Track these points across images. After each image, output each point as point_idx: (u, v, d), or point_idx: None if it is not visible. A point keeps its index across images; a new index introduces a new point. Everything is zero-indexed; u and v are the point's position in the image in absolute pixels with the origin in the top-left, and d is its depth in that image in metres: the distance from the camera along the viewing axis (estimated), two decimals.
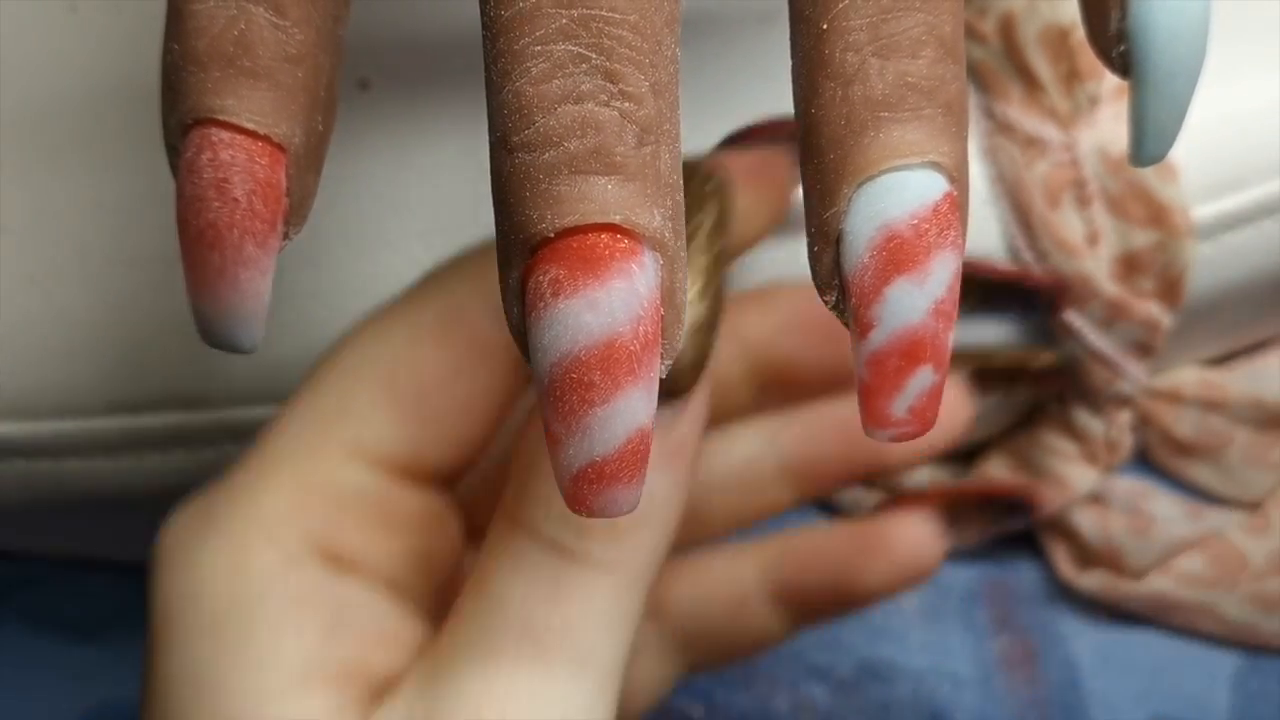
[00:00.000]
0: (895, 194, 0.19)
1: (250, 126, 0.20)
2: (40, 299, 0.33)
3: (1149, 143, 0.22)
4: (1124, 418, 0.39)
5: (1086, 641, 0.40)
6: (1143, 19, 0.21)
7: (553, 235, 0.19)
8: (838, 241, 0.19)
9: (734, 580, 0.33)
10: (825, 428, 0.33)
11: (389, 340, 0.27)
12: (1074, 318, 0.36)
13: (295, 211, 0.21)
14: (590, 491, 0.19)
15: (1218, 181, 0.36)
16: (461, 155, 0.34)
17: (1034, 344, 0.36)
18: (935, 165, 0.19)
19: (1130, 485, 0.40)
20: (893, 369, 0.19)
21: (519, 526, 0.24)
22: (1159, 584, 0.39)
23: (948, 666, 0.40)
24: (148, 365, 0.33)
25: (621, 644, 0.24)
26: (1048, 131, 0.36)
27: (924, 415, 0.20)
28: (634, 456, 0.19)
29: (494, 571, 0.24)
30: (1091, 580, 0.40)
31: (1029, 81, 0.36)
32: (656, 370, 0.19)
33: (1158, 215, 0.36)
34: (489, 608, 0.24)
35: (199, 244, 0.20)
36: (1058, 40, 0.36)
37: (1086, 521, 0.40)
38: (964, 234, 0.20)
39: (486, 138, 0.19)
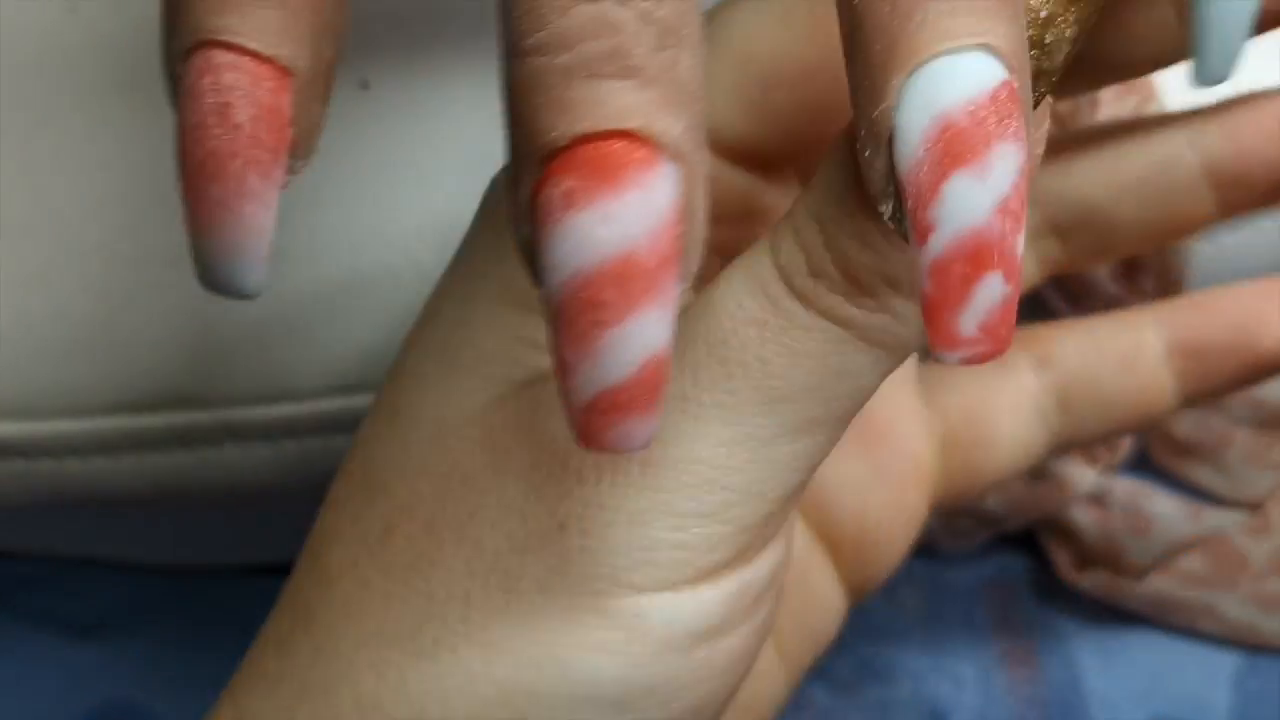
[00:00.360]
0: (948, 80, 0.17)
1: (254, 47, 0.19)
2: (40, 299, 0.33)
3: (1212, 59, 0.21)
4: None
5: (1086, 641, 0.40)
6: None
7: (566, 143, 0.17)
8: (890, 140, 0.18)
9: (1127, 336, 0.31)
10: (1257, 127, 0.30)
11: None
12: (1074, 317, 0.36)
13: (301, 143, 0.20)
14: (604, 423, 0.18)
15: None
16: (462, 155, 0.34)
17: None
18: (989, 48, 0.18)
19: (1130, 485, 0.40)
20: (958, 277, 0.18)
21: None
22: (1159, 584, 0.39)
23: (948, 666, 0.40)
24: (148, 365, 0.33)
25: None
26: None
27: (997, 332, 0.18)
28: (649, 383, 0.18)
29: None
30: (1091, 580, 0.40)
31: None
32: (674, 292, 0.18)
33: None
34: None
35: (199, 175, 0.19)
36: None
37: (1086, 521, 0.40)
38: (1028, 128, 0.18)
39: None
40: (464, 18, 0.34)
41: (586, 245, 0.17)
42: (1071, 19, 0.19)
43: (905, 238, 0.18)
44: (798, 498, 0.22)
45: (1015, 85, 0.18)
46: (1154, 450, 0.40)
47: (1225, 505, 0.40)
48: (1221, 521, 0.40)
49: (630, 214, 0.17)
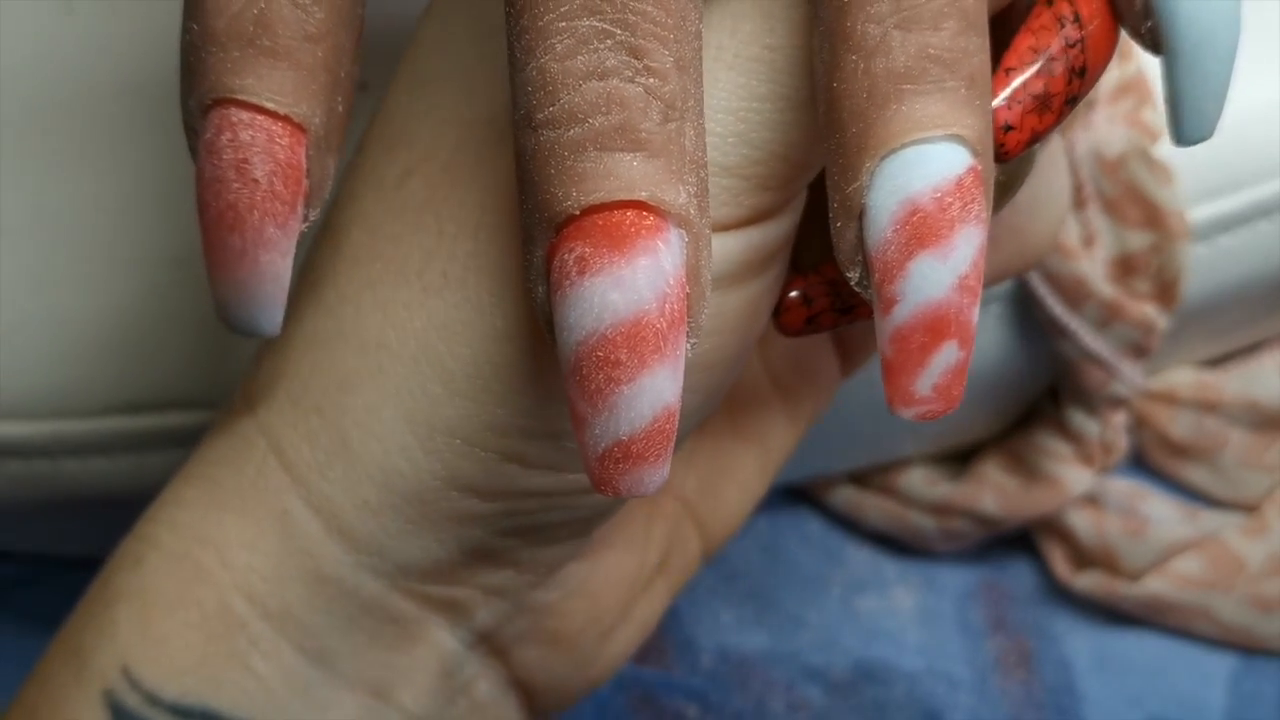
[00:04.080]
0: (918, 167, 0.19)
1: (270, 106, 0.20)
2: (40, 299, 0.33)
3: (1189, 122, 0.22)
4: (1119, 419, 0.39)
5: (1082, 642, 0.40)
6: None
7: (578, 212, 0.18)
8: (860, 216, 0.19)
9: None
10: None
11: None
12: (1070, 319, 0.36)
13: (315, 193, 0.21)
14: (617, 471, 0.19)
15: (1213, 183, 0.36)
16: None
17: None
18: (958, 138, 0.19)
19: (1125, 487, 0.40)
20: (916, 345, 0.19)
21: None
22: (1155, 585, 0.39)
23: (943, 667, 0.40)
24: (147, 365, 0.33)
25: None
26: None
27: (949, 393, 0.20)
28: (660, 435, 0.19)
29: None
30: (1087, 581, 0.40)
31: None
32: (683, 349, 0.19)
33: (1153, 217, 0.36)
34: None
35: (219, 226, 0.20)
36: None
37: (1082, 523, 0.40)
38: (988, 208, 0.19)
39: None
40: None
41: (600, 308, 0.18)
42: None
43: (871, 302, 0.20)
44: (811, 170, 0.22)
45: (980, 169, 0.19)
46: (1150, 452, 0.40)
47: (1221, 507, 0.40)
48: (1217, 523, 0.40)
49: (641, 279, 0.18)
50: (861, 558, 0.41)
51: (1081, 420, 0.38)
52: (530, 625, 0.26)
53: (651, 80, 0.18)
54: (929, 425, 0.40)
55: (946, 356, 0.19)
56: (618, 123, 0.18)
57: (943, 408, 0.20)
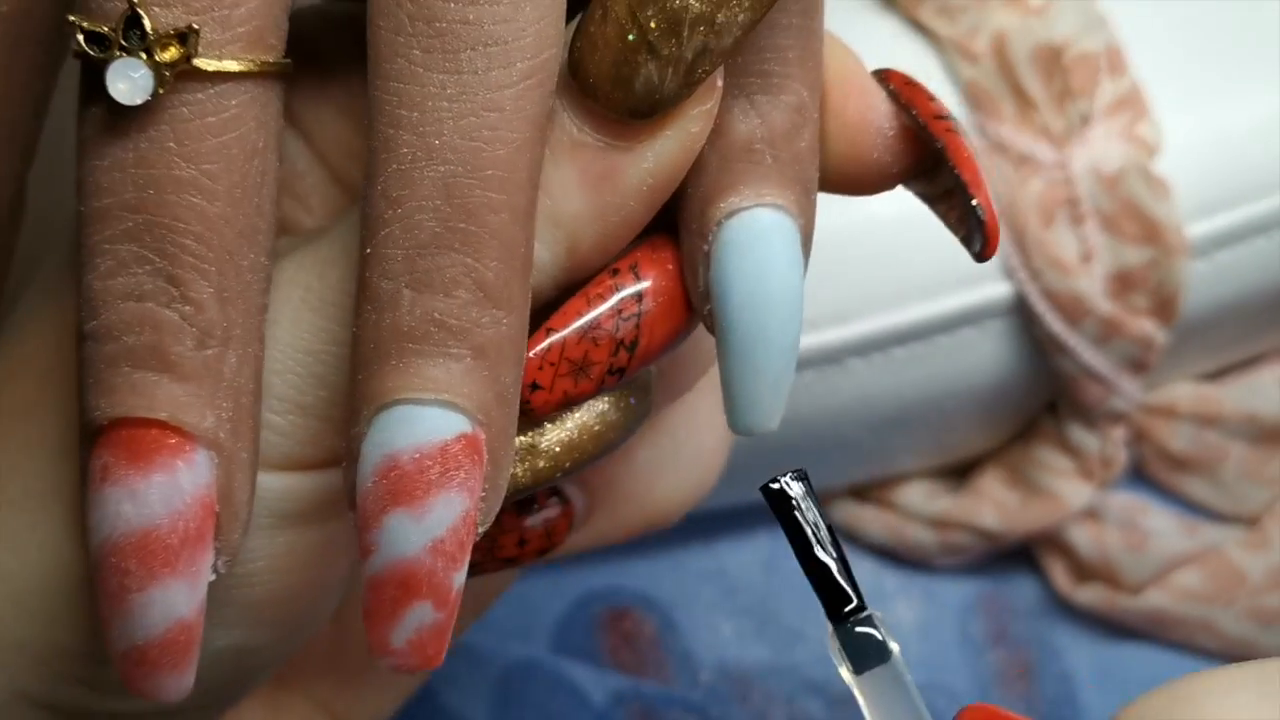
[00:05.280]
0: (404, 426, 0.19)
1: None
2: None
3: (740, 412, 0.22)
4: (1119, 433, 0.39)
5: (1083, 656, 0.40)
6: (721, 280, 0.21)
7: (105, 424, 0.19)
8: (358, 460, 0.20)
9: None
10: None
11: None
12: (1068, 335, 0.36)
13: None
14: (138, 673, 0.20)
15: (1211, 199, 0.36)
16: None
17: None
18: (452, 405, 0.19)
19: (1126, 500, 0.40)
20: (388, 598, 0.19)
21: None
22: (1156, 599, 0.39)
23: (944, 680, 0.40)
24: None
25: None
26: (1040, 150, 0.36)
27: (423, 650, 0.20)
28: (175, 646, 0.19)
29: None
30: (1088, 595, 0.40)
31: (1021, 100, 0.36)
32: (203, 566, 0.19)
33: (1151, 233, 0.36)
34: None
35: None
36: (1050, 59, 0.36)
37: (1082, 537, 0.40)
38: (481, 478, 0.19)
39: None
40: None
41: (115, 517, 0.19)
42: (747, 4, 0.20)
43: None
44: None
45: (478, 438, 0.19)
46: (1150, 466, 0.40)
47: (1222, 520, 0.40)
48: (1218, 537, 0.40)
49: (155, 494, 0.19)
50: (862, 571, 0.41)
51: (1081, 435, 0.38)
52: None
53: (187, 308, 0.19)
54: (927, 440, 0.40)
55: (420, 614, 0.19)
56: (150, 344, 0.19)
57: (419, 663, 0.20)
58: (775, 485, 0.20)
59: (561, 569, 0.40)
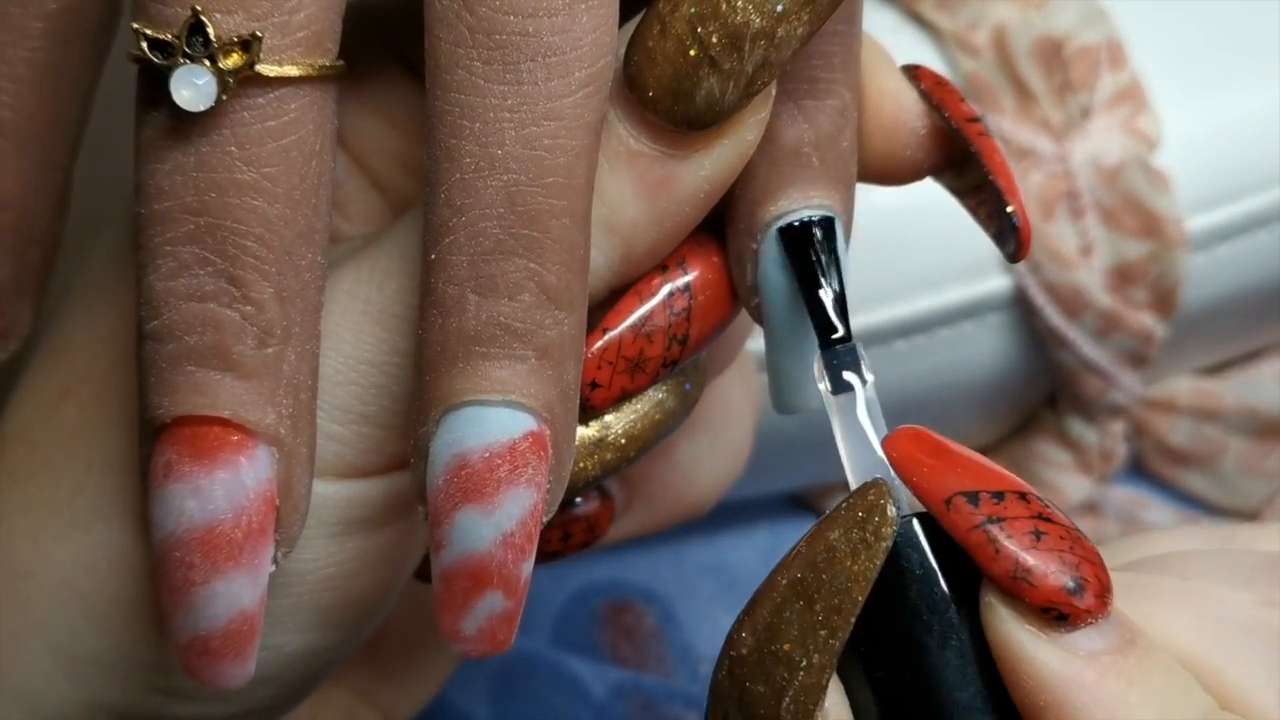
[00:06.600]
0: (473, 426, 0.20)
1: None
2: None
3: (786, 394, 0.23)
4: (1118, 427, 0.39)
5: None
6: (770, 277, 0.22)
7: (169, 421, 0.20)
8: (426, 459, 0.20)
9: None
10: None
11: None
12: (1068, 329, 0.36)
13: (12, 334, 0.23)
14: (200, 663, 0.20)
15: (1211, 193, 0.36)
16: None
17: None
18: (519, 405, 0.20)
19: (1125, 494, 0.40)
20: (459, 589, 0.20)
21: None
22: None
23: None
24: None
25: None
26: (1041, 143, 0.36)
27: (494, 636, 0.20)
28: (237, 637, 0.20)
29: None
30: None
31: (1022, 93, 0.36)
32: (265, 558, 0.20)
33: (1151, 226, 0.36)
34: None
35: None
36: (1050, 52, 0.36)
37: (1081, 530, 0.40)
38: (547, 473, 0.20)
39: None
40: None
41: (178, 513, 0.20)
42: (805, 18, 0.21)
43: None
44: None
45: (545, 435, 0.20)
46: (1149, 460, 0.40)
47: (1221, 514, 0.40)
48: None
49: (218, 490, 0.20)
50: None
51: (1080, 428, 0.38)
52: None
53: (249, 308, 0.20)
54: None
55: (490, 604, 0.20)
56: (212, 343, 0.20)
57: (489, 649, 0.20)
58: (797, 224, 0.22)
59: (561, 562, 0.41)
